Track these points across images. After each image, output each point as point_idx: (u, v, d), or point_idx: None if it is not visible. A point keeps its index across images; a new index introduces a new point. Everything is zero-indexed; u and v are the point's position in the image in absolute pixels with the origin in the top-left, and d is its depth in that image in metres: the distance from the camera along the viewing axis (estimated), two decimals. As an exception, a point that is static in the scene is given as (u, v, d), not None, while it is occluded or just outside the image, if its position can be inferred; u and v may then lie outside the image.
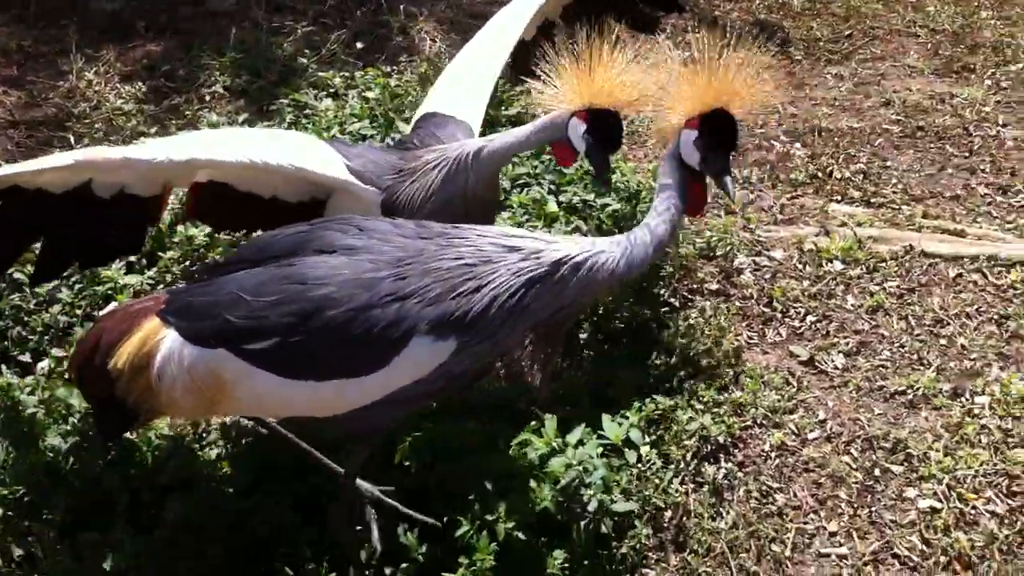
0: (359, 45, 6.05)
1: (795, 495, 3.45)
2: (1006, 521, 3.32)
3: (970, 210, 4.87)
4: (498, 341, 2.54)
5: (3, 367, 3.42)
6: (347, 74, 5.45)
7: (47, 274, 3.11)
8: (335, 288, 2.39)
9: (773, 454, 3.56)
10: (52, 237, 2.93)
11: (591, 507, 2.92)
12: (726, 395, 3.67)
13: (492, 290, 2.47)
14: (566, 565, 2.89)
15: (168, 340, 2.48)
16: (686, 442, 3.44)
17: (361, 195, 3.03)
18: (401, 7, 6.51)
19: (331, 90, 5.34)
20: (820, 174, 5.16)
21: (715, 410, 3.58)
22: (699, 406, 3.56)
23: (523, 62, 3.58)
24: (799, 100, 5.87)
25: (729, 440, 3.51)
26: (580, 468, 2.92)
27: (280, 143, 3.10)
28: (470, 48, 3.74)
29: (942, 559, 3.22)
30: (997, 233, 4.66)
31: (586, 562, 2.97)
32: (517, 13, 3.74)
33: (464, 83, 3.53)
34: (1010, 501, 3.40)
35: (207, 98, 5.55)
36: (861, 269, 4.41)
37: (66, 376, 3.25)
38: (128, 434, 2.98)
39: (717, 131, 2.60)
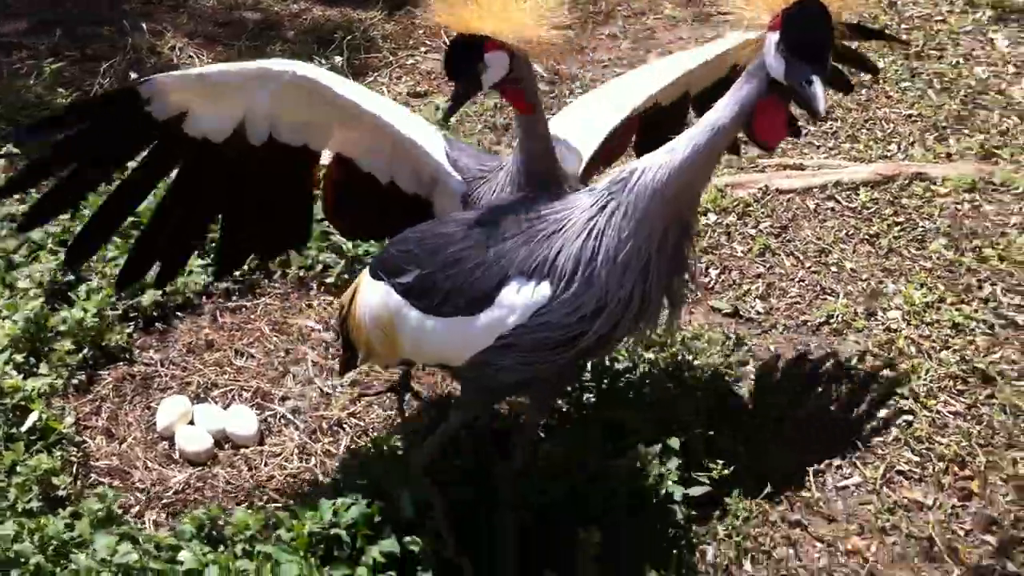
0: (132, 75, 5.49)
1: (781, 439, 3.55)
2: (969, 417, 3.58)
3: (794, 144, 5.15)
4: (605, 289, 2.42)
5: None
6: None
7: (229, 267, 3.44)
8: (459, 229, 2.61)
9: (751, 406, 3.64)
10: (230, 218, 3.05)
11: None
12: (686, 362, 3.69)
13: (564, 231, 2.45)
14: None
15: (364, 279, 2.84)
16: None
17: (448, 183, 2.98)
18: (143, 26, 6.01)
19: None
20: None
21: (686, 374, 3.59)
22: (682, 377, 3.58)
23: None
24: (587, 64, 5.96)
25: (713, 402, 3.54)
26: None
27: (402, 114, 3.07)
28: (625, 79, 3.45)
29: (939, 465, 3.43)
30: (830, 161, 4.98)
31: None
32: (676, 64, 3.31)
33: (591, 113, 3.27)
34: (963, 399, 3.66)
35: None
36: (733, 216, 4.60)
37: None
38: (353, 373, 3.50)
39: (801, 27, 2.11)
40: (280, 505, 3.16)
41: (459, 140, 3.32)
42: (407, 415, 3.49)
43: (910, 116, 5.39)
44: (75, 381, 3.46)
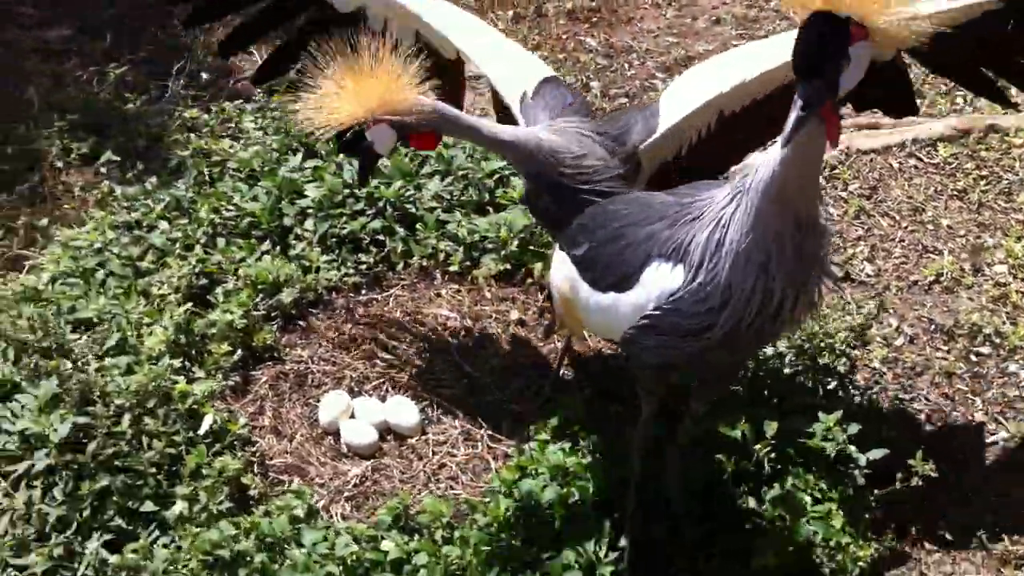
0: (204, 76, 5.49)
1: (927, 399, 3.65)
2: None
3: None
4: (728, 283, 2.42)
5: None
6: (219, 107, 4.98)
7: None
8: (623, 207, 2.74)
9: (885, 369, 3.74)
10: None
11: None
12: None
13: (700, 219, 2.48)
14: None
15: (555, 250, 3.05)
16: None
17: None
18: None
19: (206, 129, 4.90)
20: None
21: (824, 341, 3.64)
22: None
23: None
24: (637, 35, 6.01)
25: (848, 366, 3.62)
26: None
27: (490, 48, 3.47)
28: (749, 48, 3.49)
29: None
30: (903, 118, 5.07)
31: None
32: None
33: (691, 84, 3.30)
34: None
35: (65, 173, 4.87)
36: (823, 180, 4.67)
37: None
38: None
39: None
40: (459, 491, 3.22)
41: (559, 88, 3.37)
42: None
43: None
44: (230, 383, 3.48)
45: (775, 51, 3.01)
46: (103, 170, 4.57)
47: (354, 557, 2.82)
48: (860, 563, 2.93)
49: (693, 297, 2.49)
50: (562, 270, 2.97)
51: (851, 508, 3.01)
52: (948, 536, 3.25)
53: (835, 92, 2.10)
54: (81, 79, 5.52)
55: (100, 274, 3.87)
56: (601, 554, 2.87)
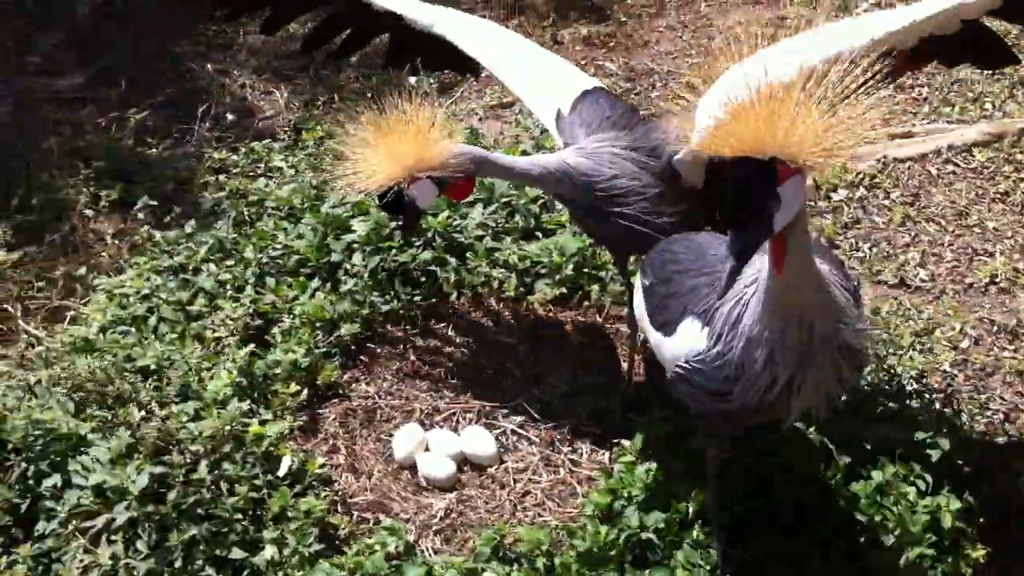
0: (229, 117, 5.44)
1: (1002, 399, 3.62)
2: None
3: (890, 115, 5.23)
4: (741, 360, 2.44)
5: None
6: (247, 147, 4.94)
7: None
8: (682, 250, 2.75)
9: (955, 371, 3.71)
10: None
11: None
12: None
13: (719, 294, 2.42)
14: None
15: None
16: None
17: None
18: (208, 67, 5.96)
19: (236, 170, 4.88)
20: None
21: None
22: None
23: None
24: (655, 58, 6.01)
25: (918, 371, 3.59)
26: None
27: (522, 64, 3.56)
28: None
29: None
30: (935, 126, 5.08)
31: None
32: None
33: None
34: None
35: (94, 220, 4.79)
36: (862, 189, 4.68)
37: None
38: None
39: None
40: (548, 518, 3.15)
41: (598, 100, 3.36)
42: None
43: (993, 75, 5.48)
44: (299, 423, 3.40)
45: (820, 43, 2.86)
46: (140, 216, 4.47)
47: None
48: (971, 564, 2.86)
49: (712, 363, 2.50)
50: (637, 294, 2.97)
51: (959, 508, 2.93)
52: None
53: (770, 234, 2.03)
54: (100, 126, 5.48)
55: (152, 320, 3.79)
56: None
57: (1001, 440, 3.41)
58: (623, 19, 6.43)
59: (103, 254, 4.42)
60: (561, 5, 6.55)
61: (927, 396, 3.45)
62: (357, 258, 4.00)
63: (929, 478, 2.96)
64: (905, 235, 4.42)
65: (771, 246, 2.15)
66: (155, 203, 4.50)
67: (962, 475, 3.10)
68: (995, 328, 3.94)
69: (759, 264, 2.36)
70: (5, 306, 4.17)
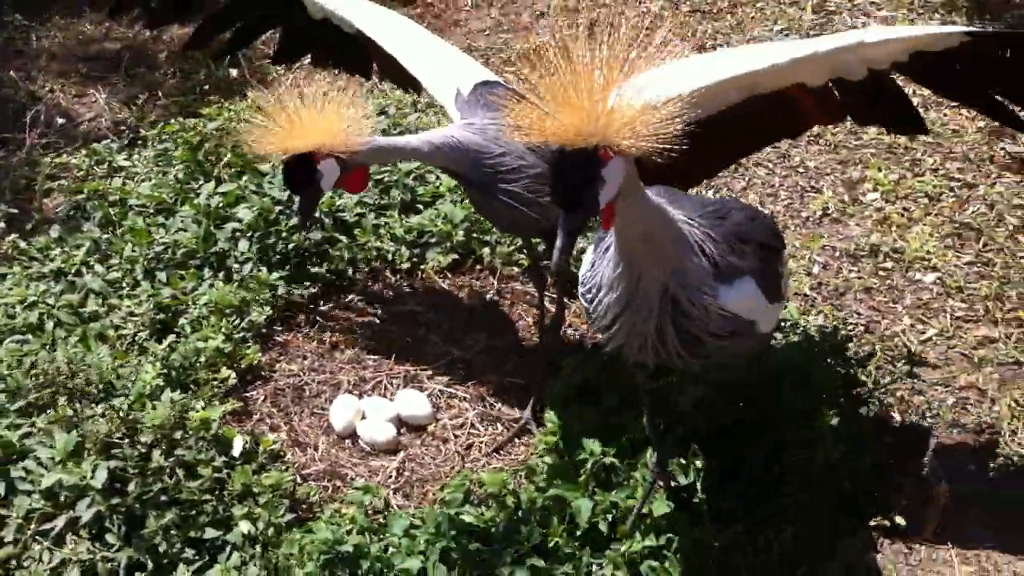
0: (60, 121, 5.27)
1: (859, 313, 4.09)
2: (979, 264, 4.27)
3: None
4: (600, 298, 2.70)
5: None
6: (88, 151, 4.90)
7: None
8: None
9: (814, 294, 4.16)
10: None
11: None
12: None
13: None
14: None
15: None
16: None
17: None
18: (12, 75, 5.78)
19: (79, 172, 4.85)
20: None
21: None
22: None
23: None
24: (469, 35, 6.27)
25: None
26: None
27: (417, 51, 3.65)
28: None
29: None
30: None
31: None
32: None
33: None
34: (961, 252, 4.35)
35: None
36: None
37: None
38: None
39: None
40: (499, 464, 3.34)
41: (496, 88, 3.46)
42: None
43: (782, 30, 6.06)
44: (230, 407, 3.44)
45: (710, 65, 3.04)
46: (1, 224, 4.30)
47: (471, 528, 2.88)
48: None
49: (584, 298, 2.75)
50: None
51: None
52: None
53: (596, 211, 2.24)
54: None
55: (49, 325, 3.70)
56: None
57: (867, 348, 3.82)
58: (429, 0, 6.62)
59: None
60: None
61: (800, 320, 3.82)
62: (243, 245, 4.02)
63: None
64: (740, 180, 4.84)
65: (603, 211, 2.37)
66: (15, 211, 4.31)
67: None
68: (837, 253, 4.39)
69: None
70: None
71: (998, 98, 3.01)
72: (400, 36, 3.65)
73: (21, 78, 5.82)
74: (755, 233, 2.69)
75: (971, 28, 2.82)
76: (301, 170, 3.01)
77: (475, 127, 3.27)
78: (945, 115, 5.18)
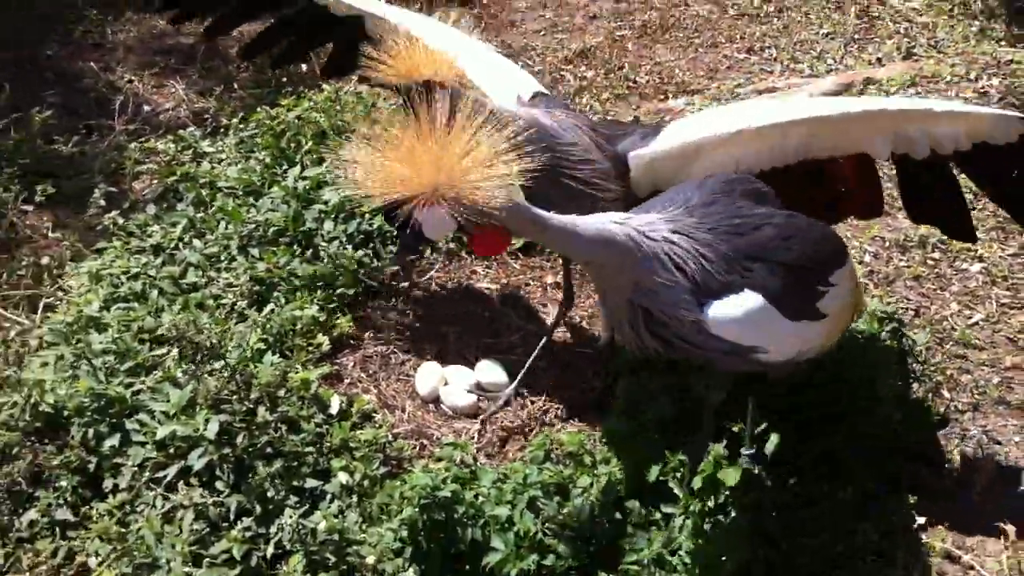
0: (146, 109, 5.57)
1: (908, 299, 4.32)
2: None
3: (750, 74, 5.99)
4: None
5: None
6: (175, 137, 5.17)
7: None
8: None
9: (866, 281, 4.40)
10: None
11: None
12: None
13: None
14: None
15: None
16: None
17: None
18: (92, 66, 6.07)
19: (166, 158, 5.06)
20: (628, 82, 5.95)
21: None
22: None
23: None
24: (526, 34, 6.54)
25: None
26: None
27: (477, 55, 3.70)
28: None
29: None
30: (793, 79, 5.84)
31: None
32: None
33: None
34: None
35: (31, 216, 4.88)
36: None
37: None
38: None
39: None
40: (576, 426, 3.60)
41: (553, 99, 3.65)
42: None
43: (828, 34, 6.30)
44: (326, 371, 3.71)
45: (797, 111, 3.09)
46: (102, 203, 4.59)
47: (551, 480, 3.13)
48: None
49: None
50: None
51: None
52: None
53: (423, 242, 2.82)
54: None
55: (153, 295, 3.97)
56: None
57: (923, 337, 4.04)
58: (485, 1, 6.90)
59: (64, 243, 4.49)
60: (425, -11, 6.94)
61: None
62: (328, 225, 4.30)
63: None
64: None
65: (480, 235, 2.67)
66: (113, 189, 4.61)
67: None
68: (887, 244, 4.63)
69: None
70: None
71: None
72: (455, 46, 3.68)
73: (100, 69, 6.10)
74: (781, 252, 2.66)
75: None
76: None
77: (555, 116, 3.40)
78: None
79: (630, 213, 2.82)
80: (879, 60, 6.02)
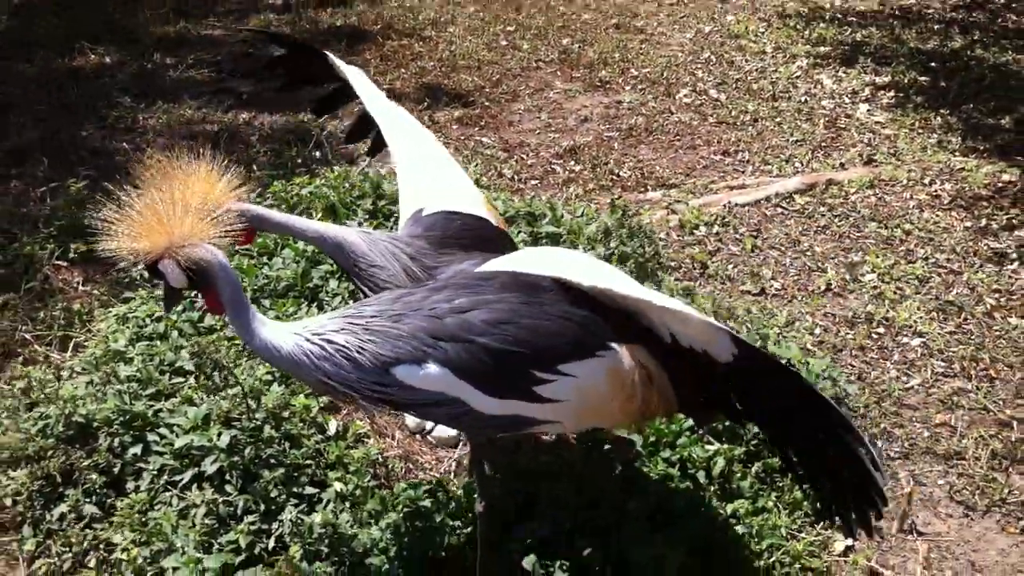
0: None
1: (852, 365, 4.81)
2: (960, 334, 5.00)
3: (724, 173, 6.56)
4: None
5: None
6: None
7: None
8: None
9: (815, 349, 4.89)
10: None
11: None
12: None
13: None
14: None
15: None
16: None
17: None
18: (125, 145, 6.65)
19: None
20: (612, 176, 6.54)
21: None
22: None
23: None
24: (522, 132, 7.16)
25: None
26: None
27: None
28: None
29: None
30: (763, 179, 6.41)
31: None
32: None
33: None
34: (943, 324, 5.08)
35: (63, 271, 5.40)
36: (718, 227, 5.90)
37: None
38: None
39: None
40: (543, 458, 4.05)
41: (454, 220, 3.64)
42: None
43: (797, 141, 6.92)
44: (324, 402, 4.18)
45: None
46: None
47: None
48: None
49: None
50: None
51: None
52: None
53: (175, 291, 2.97)
54: (33, 196, 5.99)
55: (174, 335, 4.47)
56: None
57: (855, 389, 4.51)
58: (487, 104, 7.55)
59: (95, 292, 5.00)
60: (432, 93, 7.62)
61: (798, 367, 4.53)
62: (333, 283, 4.81)
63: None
64: (756, 258, 5.61)
65: (206, 299, 3.02)
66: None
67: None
68: (837, 319, 5.13)
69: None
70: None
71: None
72: (411, 152, 3.90)
73: (131, 148, 6.68)
74: (487, 336, 2.79)
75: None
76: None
77: (370, 238, 3.46)
78: (938, 215, 5.96)
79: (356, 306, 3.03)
80: (842, 164, 6.60)
